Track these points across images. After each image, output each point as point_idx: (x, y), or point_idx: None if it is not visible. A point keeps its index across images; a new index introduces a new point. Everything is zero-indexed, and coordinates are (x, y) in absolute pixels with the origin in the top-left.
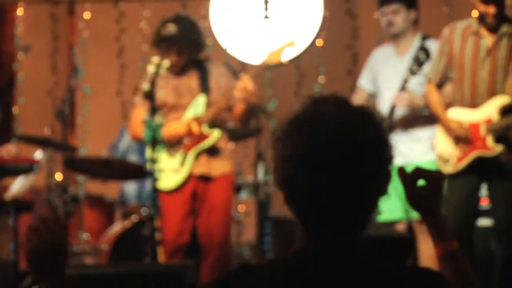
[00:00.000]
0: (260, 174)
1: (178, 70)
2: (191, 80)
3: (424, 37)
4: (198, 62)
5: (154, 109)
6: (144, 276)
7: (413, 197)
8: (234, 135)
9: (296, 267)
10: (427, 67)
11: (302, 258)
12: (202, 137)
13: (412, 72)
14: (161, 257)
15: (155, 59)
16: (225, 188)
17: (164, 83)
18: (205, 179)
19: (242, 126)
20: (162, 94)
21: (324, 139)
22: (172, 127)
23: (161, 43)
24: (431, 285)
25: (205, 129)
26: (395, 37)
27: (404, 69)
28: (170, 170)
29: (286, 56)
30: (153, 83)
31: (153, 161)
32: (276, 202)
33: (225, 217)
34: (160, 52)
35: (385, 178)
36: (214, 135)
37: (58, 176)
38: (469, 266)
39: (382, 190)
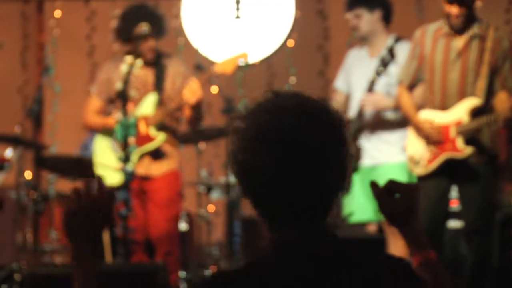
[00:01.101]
0: (231, 174)
1: (147, 61)
2: (148, 75)
3: (397, 39)
4: (158, 57)
5: (126, 108)
6: (116, 275)
7: (388, 210)
8: (184, 138)
9: (274, 266)
10: (393, 69)
11: (277, 257)
12: (148, 138)
13: (377, 73)
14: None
15: (129, 58)
16: (168, 184)
17: (121, 74)
18: (147, 179)
19: (191, 129)
20: (119, 86)
21: (284, 124)
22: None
23: (135, 41)
24: (405, 276)
25: (152, 130)
26: (364, 40)
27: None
28: (112, 168)
29: (237, 67)
30: (126, 82)
31: (125, 160)
32: (246, 203)
33: (171, 212)
34: (129, 47)
35: (343, 169)
36: (160, 138)
37: (28, 175)
38: (447, 276)
39: (341, 179)
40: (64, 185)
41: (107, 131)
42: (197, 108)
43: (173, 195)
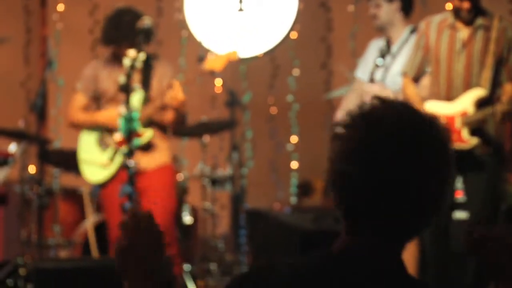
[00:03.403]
0: (235, 167)
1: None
2: (134, 75)
3: (413, 30)
4: (146, 58)
5: (129, 102)
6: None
7: (489, 266)
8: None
9: (332, 268)
10: (388, 59)
11: (341, 260)
12: (136, 135)
13: (376, 64)
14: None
15: (131, 52)
16: (162, 178)
17: (107, 74)
18: (139, 173)
19: (172, 130)
20: (105, 85)
21: (389, 139)
22: (106, 115)
23: (135, 37)
24: None
25: (138, 127)
26: (381, 30)
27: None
28: (99, 164)
29: (223, 66)
30: (129, 76)
31: (129, 154)
32: (251, 195)
33: (166, 206)
34: (113, 46)
35: (441, 195)
36: (147, 135)
37: (32, 169)
38: None
39: (437, 204)
40: (68, 180)
41: (95, 128)
42: (179, 111)
43: (167, 189)
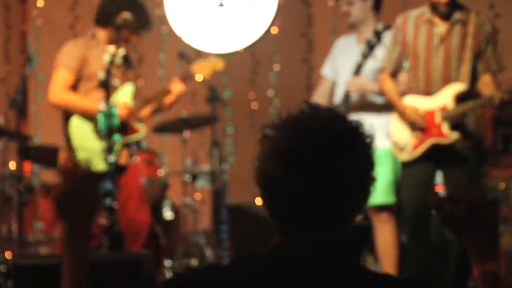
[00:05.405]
0: (216, 163)
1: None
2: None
3: (386, 27)
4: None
5: (109, 98)
6: (100, 265)
7: (450, 222)
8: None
9: (265, 268)
10: (379, 53)
11: (272, 259)
12: (133, 130)
13: (364, 56)
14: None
15: (111, 48)
16: (139, 174)
17: (99, 56)
18: (120, 169)
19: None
20: (96, 69)
21: (312, 141)
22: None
23: (115, 29)
24: None
25: (134, 122)
26: (354, 27)
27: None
28: (97, 153)
29: (210, 74)
30: (108, 72)
31: (109, 150)
32: (232, 191)
33: (142, 203)
34: (114, 29)
35: (364, 192)
36: (143, 131)
37: (12, 165)
38: None
39: (360, 200)
40: (49, 176)
41: (89, 117)
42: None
43: (141, 185)
